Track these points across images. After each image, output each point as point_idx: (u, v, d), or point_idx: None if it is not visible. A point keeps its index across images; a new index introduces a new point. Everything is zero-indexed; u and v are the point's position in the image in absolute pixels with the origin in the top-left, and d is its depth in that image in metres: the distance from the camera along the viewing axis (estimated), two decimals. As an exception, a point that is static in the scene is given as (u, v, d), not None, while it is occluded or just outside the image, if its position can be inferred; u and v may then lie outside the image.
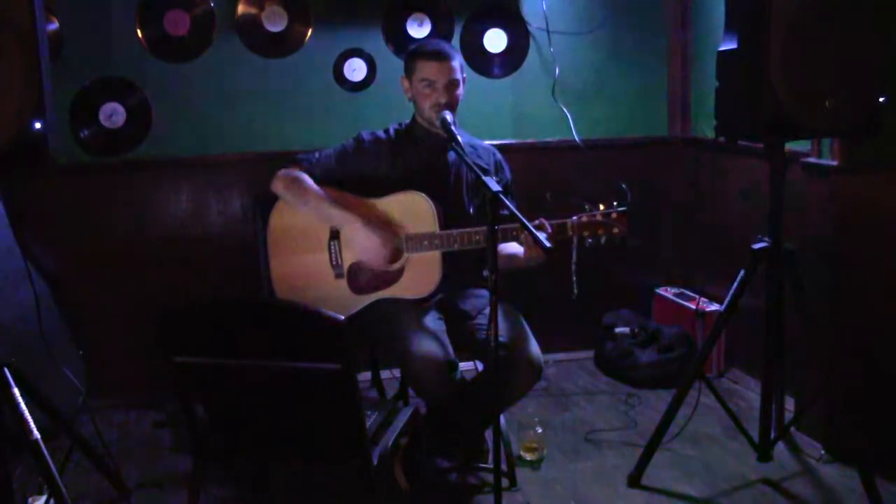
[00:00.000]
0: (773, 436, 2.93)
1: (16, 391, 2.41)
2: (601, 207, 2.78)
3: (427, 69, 2.88)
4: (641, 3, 4.05)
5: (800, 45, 2.46)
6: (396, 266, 2.87)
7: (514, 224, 2.69)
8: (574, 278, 2.81)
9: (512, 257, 2.87)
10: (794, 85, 2.47)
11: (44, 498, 2.70)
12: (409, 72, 2.94)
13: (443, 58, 2.87)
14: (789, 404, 3.23)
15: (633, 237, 2.81)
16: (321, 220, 2.88)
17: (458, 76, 2.90)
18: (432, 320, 2.83)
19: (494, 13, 3.91)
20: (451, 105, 2.87)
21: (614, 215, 2.76)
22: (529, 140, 4.00)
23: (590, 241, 2.77)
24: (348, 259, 2.91)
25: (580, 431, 3.38)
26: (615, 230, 2.77)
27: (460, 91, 2.91)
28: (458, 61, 2.91)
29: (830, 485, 2.91)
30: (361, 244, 2.82)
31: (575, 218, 2.77)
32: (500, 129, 3.94)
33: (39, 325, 2.73)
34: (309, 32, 3.74)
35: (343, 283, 2.91)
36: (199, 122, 3.70)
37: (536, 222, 2.66)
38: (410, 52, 2.98)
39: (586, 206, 2.78)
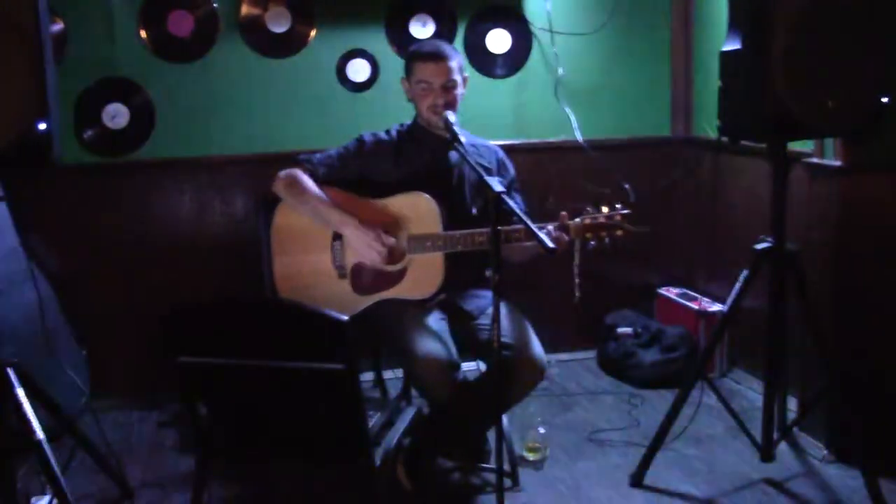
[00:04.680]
0: (775, 436, 2.93)
1: (19, 391, 2.42)
2: (604, 209, 2.75)
3: (423, 71, 2.88)
4: (644, 4, 4.05)
5: (803, 45, 2.46)
6: (399, 266, 2.87)
7: (517, 226, 2.68)
8: (577, 281, 2.78)
9: (515, 247, 2.84)
10: (796, 85, 2.47)
11: (47, 498, 2.70)
12: (408, 73, 2.95)
13: (439, 59, 2.87)
14: (792, 404, 3.22)
15: (642, 227, 2.75)
16: (320, 223, 2.88)
17: (456, 76, 2.89)
18: (435, 320, 2.82)
19: (497, 13, 3.91)
20: (450, 106, 2.86)
21: (617, 217, 2.74)
22: (532, 140, 4.00)
23: (592, 243, 2.75)
24: (351, 259, 2.91)
25: (583, 431, 3.38)
26: (618, 232, 2.75)
27: (459, 91, 2.90)
28: (455, 61, 2.90)
29: (833, 485, 2.91)
30: (357, 245, 2.82)
31: (577, 220, 2.76)
32: (502, 129, 3.94)
33: (43, 325, 2.74)
34: (312, 33, 3.74)
35: (346, 283, 2.91)
36: (203, 122, 3.70)
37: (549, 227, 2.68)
38: (409, 53, 2.99)
39: (588, 209, 2.77)
